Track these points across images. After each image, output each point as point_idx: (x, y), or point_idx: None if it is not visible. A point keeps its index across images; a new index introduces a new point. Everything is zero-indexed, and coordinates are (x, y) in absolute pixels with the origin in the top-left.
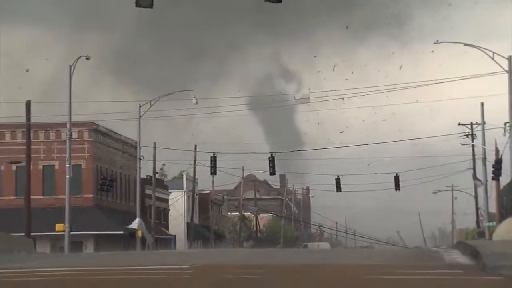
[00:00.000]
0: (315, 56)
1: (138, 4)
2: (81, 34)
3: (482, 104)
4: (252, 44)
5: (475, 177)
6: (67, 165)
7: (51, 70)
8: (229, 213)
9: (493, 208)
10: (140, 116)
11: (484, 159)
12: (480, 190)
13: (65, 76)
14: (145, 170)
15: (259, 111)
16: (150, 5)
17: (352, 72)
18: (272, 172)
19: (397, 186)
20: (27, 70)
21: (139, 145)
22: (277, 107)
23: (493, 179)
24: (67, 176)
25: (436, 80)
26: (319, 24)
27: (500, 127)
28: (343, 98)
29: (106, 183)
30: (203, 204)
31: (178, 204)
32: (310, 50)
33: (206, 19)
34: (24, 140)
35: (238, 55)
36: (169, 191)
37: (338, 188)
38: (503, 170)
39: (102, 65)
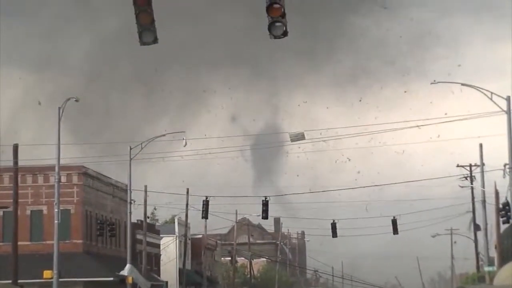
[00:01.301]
0: (305, 102)
1: (142, 43)
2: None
3: (481, 145)
4: (247, 84)
5: (474, 223)
6: (56, 210)
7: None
8: (222, 258)
9: (493, 252)
10: (130, 159)
11: (483, 201)
12: (480, 234)
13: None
14: (136, 214)
15: (252, 152)
16: (155, 41)
17: (344, 113)
18: (265, 216)
19: (395, 230)
20: (76, 100)
21: (130, 189)
22: (272, 147)
23: (503, 223)
24: (56, 221)
25: (432, 119)
26: (314, 65)
27: (499, 169)
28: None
29: (104, 227)
30: (196, 249)
31: (169, 249)
32: (304, 89)
33: (198, 58)
34: (11, 185)
35: (230, 94)
36: (161, 235)
37: (334, 234)
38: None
39: (86, 107)
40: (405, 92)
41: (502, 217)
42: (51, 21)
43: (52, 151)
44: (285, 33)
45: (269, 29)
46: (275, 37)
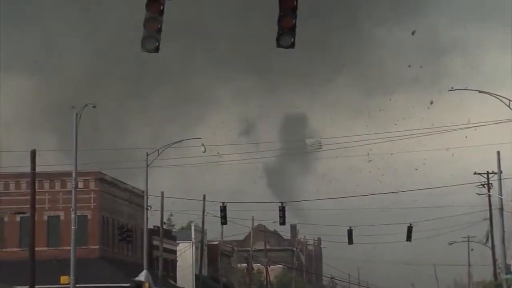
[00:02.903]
0: (321, 112)
1: (145, 49)
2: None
3: (498, 152)
4: (261, 90)
5: (491, 231)
6: (73, 216)
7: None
8: (238, 264)
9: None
10: (147, 165)
11: (501, 209)
12: (497, 241)
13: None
14: (153, 220)
15: (269, 159)
16: (156, 50)
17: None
18: (283, 222)
19: (408, 237)
20: (93, 106)
21: (146, 195)
22: (288, 155)
23: None
24: (73, 227)
25: (449, 127)
26: (328, 73)
27: None
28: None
29: (125, 233)
30: (212, 255)
31: (186, 255)
32: (319, 98)
33: (211, 67)
34: (29, 190)
35: (246, 101)
36: (177, 242)
37: (350, 240)
38: None
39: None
40: (420, 100)
41: None
42: (53, 27)
43: (60, 158)
44: (292, 45)
45: (278, 39)
46: (282, 47)
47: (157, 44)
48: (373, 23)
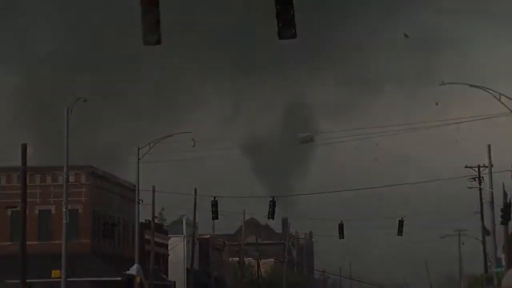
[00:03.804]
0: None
1: (146, 42)
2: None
3: (489, 146)
4: (253, 84)
5: (483, 224)
6: (64, 210)
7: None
8: (230, 258)
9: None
10: (138, 159)
11: (491, 203)
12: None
13: None
14: (144, 214)
15: (261, 153)
16: (158, 42)
17: (353, 115)
18: (271, 217)
19: (399, 232)
20: (85, 100)
21: (138, 189)
22: (281, 149)
23: (501, 223)
24: (64, 221)
25: (441, 121)
26: (320, 68)
27: (507, 170)
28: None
29: (108, 228)
30: (203, 249)
31: (177, 249)
32: (311, 92)
33: (208, 63)
34: (20, 184)
35: (238, 96)
36: (169, 236)
37: (341, 235)
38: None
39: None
40: (414, 94)
41: (501, 218)
42: (36, 22)
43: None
44: (294, 35)
45: (279, 32)
46: (284, 38)
47: (158, 37)
48: (367, 18)
